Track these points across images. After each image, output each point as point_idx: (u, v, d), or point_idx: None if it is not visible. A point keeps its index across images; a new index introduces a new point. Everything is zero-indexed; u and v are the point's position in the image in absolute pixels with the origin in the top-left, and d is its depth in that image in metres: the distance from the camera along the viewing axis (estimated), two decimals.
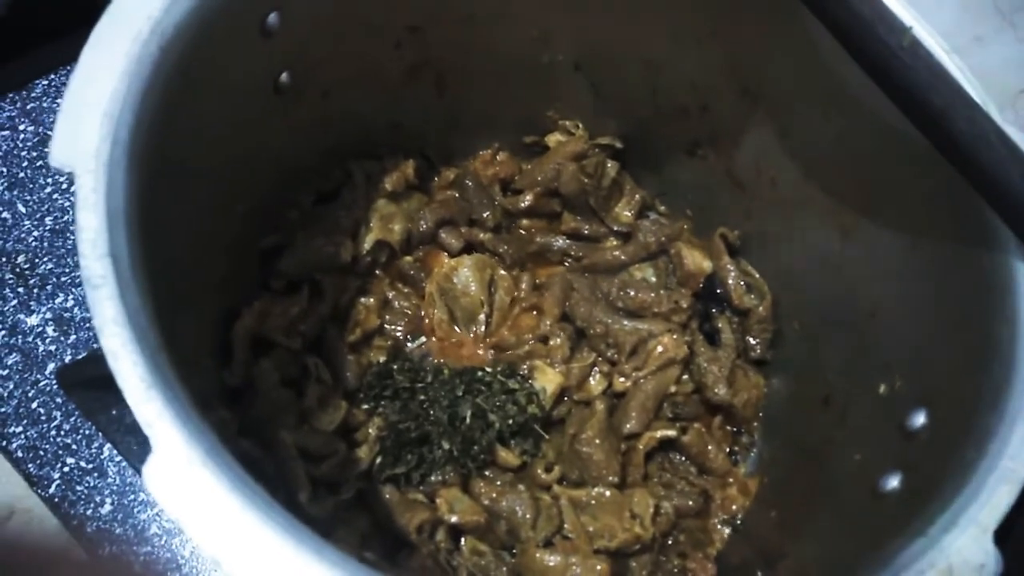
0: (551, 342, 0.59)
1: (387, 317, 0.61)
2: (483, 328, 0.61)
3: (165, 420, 0.28)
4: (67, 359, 0.63)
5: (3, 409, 0.61)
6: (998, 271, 0.39)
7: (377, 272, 0.62)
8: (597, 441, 0.55)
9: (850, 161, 0.50)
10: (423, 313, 0.61)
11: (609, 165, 0.63)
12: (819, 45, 0.46)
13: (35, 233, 0.67)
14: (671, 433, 0.56)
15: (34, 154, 0.70)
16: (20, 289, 0.65)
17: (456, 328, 0.61)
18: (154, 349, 0.30)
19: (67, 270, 0.66)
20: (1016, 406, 0.34)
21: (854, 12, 0.38)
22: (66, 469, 0.60)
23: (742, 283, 0.61)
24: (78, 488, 0.59)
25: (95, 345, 0.64)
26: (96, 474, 0.60)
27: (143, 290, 0.33)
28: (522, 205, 0.64)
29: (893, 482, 0.40)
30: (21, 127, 0.71)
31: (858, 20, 0.38)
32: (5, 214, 0.67)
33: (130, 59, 0.36)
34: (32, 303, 0.65)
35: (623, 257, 0.63)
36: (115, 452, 0.60)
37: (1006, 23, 0.70)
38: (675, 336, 0.58)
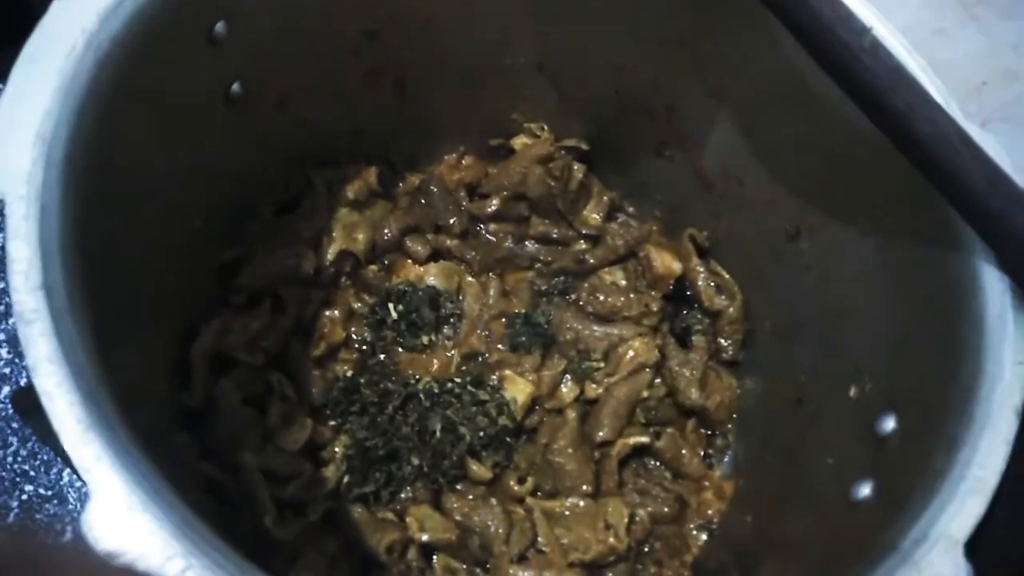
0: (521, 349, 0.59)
1: (353, 329, 0.59)
2: (452, 338, 0.60)
3: (104, 463, 0.27)
4: (22, 382, 0.61)
5: None
6: (963, 273, 0.38)
7: (342, 283, 0.60)
8: (570, 450, 0.54)
9: (815, 161, 0.50)
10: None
11: (576, 167, 0.62)
12: (782, 45, 0.45)
13: None
14: (644, 439, 0.56)
15: None
16: None
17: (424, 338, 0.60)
18: (92, 386, 0.29)
19: None
20: (984, 412, 0.34)
21: (814, 13, 0.38)
22: (24, 497, 0.58)
23: (712, 284, 0.60)
24: (38, 516, 0.57)
25: None
26: (56, 501, 0.58)
27: (82, 322, 0.31)
28: (489, 210, 0.63)
29: (865, 490, 0.39)
30: None
31: (818, 21, 0.38)
32: None
33: (64, 76, 0.34)
34: None
35: (592, 261, 0.62)
36: (75, 478, 0.58)
37: (968, 16, 0.70)
38: (646, 340, 0.58)
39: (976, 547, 0.31)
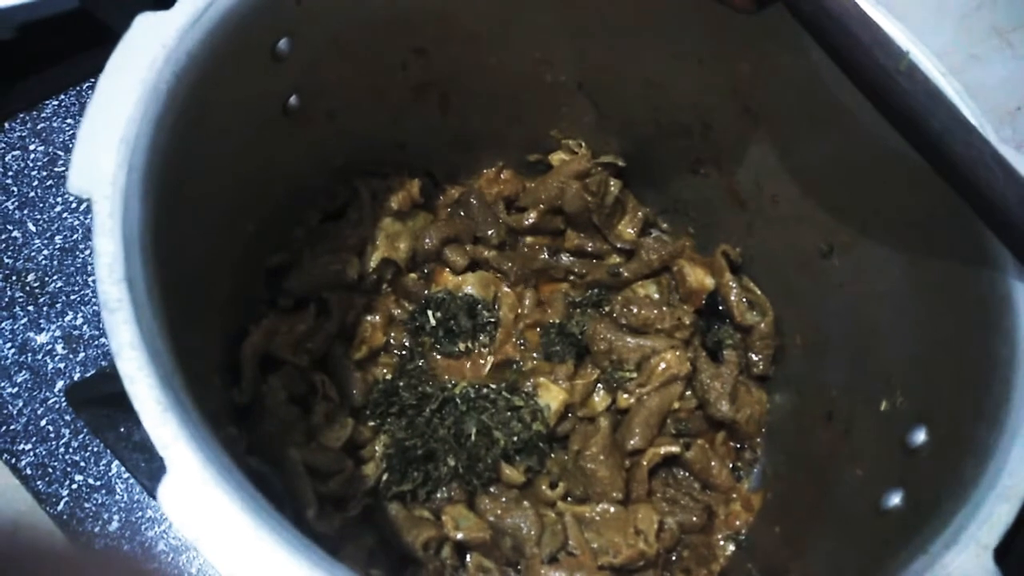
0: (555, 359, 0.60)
1: (392, 334, 0.61)
2: (487, 345, 0.62)
3: (180, 442, 0.29)
4: (76, 377, 0.63)
5: (12, 426, 0.61)
6: (996, 290, 0.39)
7: (383, 289, 0.62)
8: (601, 457, 0.55)
9: (849, 179, 0.51)
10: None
11: (612, 183, 0.64)
12: (818, 66, 0.47)
13: (45, 252, 0.68)
14: (675, 449, 0.57)
15: (44, 173, 0.71)
16: (30, 307, 0.66)
17: (461, 345, 0.62)
18: (168, 371, 0.31)
19: (76, 288, 0.67)
20: (1015, 423, 0.35)
21: (852, 37, 0.39)
22: (74, 486, 0.60)
23: (744, 300, 0.61)
24: (86, 505, 0.60)
25: (103, 363, 0.64)
26: (104, 491, 0.60)
27: (157, 313, 0.33)
28: (526, 223, 0.65)
29: (895, 499, 0.40)
30: (31, 147, 0.72)
31: (856, 44, 0.39)
32: (16, 233, 0.68)
33: (145, 86, 0.37)
34: (42, 321, 0.65)
35: (626, 274, 0.64)
36: (123, 469, 0.60)
37: (1003, 42, 0.71)
38: (678, 352, 0.59)
39: (1006, 552, 0.32)
